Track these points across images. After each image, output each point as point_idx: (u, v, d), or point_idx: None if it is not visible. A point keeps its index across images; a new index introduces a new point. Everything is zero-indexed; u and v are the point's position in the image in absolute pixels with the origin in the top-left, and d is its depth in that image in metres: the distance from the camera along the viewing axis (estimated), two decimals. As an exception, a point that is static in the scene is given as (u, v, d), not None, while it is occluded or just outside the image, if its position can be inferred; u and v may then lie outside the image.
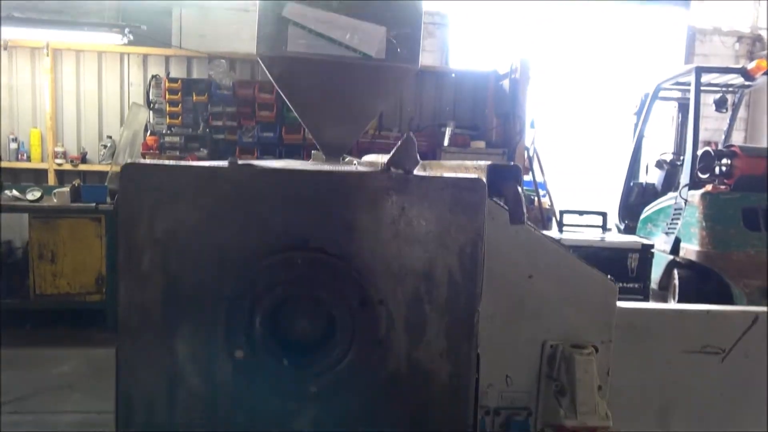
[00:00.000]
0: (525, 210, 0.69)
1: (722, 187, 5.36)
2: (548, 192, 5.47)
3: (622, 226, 7.07)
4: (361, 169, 0.60)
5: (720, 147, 5.82)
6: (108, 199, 4.36)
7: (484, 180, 0.69)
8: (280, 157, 4.94)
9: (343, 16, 1.71)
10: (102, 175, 5.15)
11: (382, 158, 0.80)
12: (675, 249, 5.59)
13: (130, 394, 0.57)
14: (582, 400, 0.94)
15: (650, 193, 7.19)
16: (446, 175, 0.59)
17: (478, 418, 0.62)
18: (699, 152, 5.66)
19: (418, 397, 0.59)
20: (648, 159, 8.10)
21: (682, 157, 7.06)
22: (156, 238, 0.56)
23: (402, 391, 0.59)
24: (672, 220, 5.96)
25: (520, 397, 0.99)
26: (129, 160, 5.07)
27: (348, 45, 1.73)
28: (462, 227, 0.59)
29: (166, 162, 0.58)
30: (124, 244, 0.55)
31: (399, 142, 0.61)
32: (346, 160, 2.39)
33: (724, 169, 5.35)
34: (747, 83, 5.76)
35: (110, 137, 5.20)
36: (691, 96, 5.70)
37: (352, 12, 1.72)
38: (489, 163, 0.71)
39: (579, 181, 7.06)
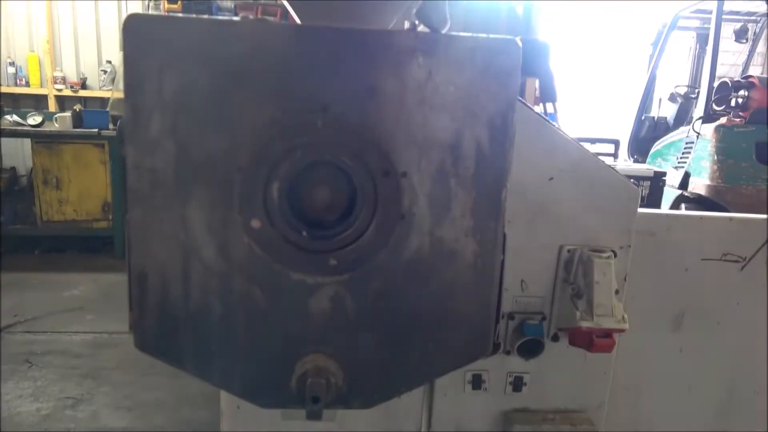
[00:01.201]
0: (556, 88, 0.64)
1: (737, 119, 5.24)
2: (558, 121, 5.36)
3: (631, 161, 6.98)
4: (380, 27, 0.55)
5: (737, 79, 5.64)
6: (110, 125, 4.30)
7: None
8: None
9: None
10: (103, 101, 5.06)
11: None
12: (684, 183, 5.54)
13: (142, 268, 0.55)
14: (599, 302, 0.93)
15: (662, 128, 7.06)
16: (478, 36, 0.53)
17: (501, 300, 0.59)
18: (715, 83, 5.49)
19: (442, 275, 0.57)
20: (661, 93, 7.91)
21: (696, 90, 6.88)
22: (165, 100, 0.52)
23: (425, 269, 0.56)
24: (683, 154, 5.87)
25: (535, 302, 0.98)
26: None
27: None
28: (493, 95, 0.54)
29: (175, 15, 0.53)
30: (131, 105, 0.51)
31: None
32: None
33: (740, 101, 5.21)
34: (769, 12, 5.51)
35: (110, 62, 5.07)
36: (712, 23, 5.47)
37: None
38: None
39: (592, 111, 6.90)
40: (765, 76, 6.19)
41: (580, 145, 0.95)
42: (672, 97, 7.06)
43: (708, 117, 5.56)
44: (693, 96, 6.78)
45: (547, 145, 0.92)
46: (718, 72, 6.73)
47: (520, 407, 1.02)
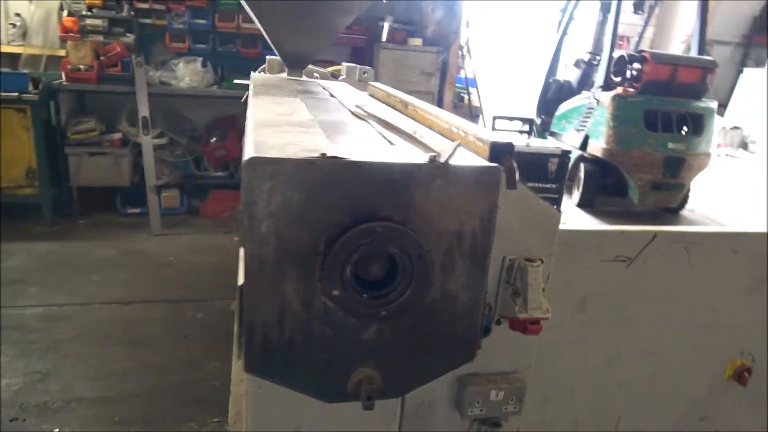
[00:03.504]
0: (517, 178, 0.94)
1: (631, 90, 5.87)
2: (477, 90, 5.74)
3: (539, 121, 7.56)
4: (413, 161, 0.82)
5: (632, 50, 6.25)
6: (30, 87, 4.13)
7: (488, 151, 0.95)
8: (213, 45, 4.77)
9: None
10: (13, 57, 4.77)
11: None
12: (584, 145, 6.17)
13: (252, 322, 0.81)
14: (532, 299, 1.29)
15: (566, 91, 7.64)
16: (474, 164, 0.82)
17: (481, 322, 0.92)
18: (615, 56, 6.06)
19: (446, 312, 0.88)
20: (569, 58, 8.47)
21: (598, 57, 7.49)
22: (271, 211, 0.77)
23: (437, 308, 0.87)
24: (584, 118, 6.47)
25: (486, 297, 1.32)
26: (44, 44, 4.68)
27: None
28: (482, 199, 0.84)
29: (280, 156, 0.76)
30: (248, 215, 0.76)
31: (452, 150, 0.83)
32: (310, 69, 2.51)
33: (634, 73, 5.83)
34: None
35: (19, 15, 4.75)
36: (613, -2, 5.98)
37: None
38: (491, 140, 0.95)
39: (509, 81, 7.33)
40: (657, 51, 6.88)
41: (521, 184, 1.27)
42: (576, 63, 7.64)
43: (607, 86, 6.17)
44: (595, 63, 7.39)
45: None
46: (621, 31, 7.34)
47: (471, 372, 1.38)
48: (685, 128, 6.41)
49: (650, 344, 1.59)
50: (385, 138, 1.05)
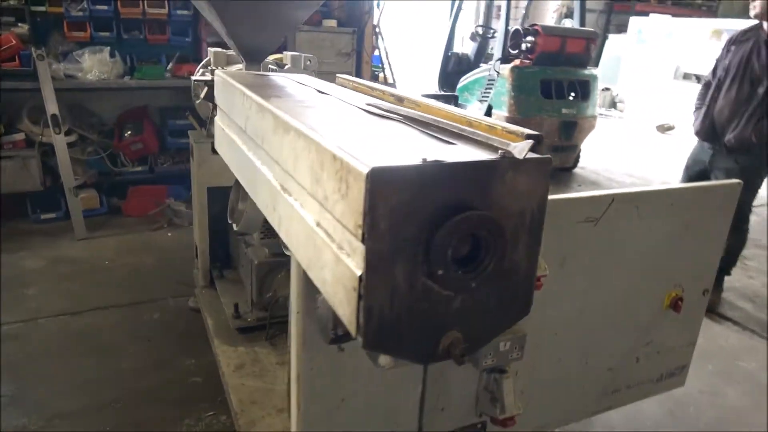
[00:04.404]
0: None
1: (527, 61, 6.38)
2: (391, 67, 5.94)
3: (441, 93, 7.95)
4: (492, 158, 0.99)
5: (520, 25, 6.76)
6: None
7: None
8: (118, 33, 4.53)
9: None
10: None
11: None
12: (488, 115, 6.63)
13: (371, 306, 0.95)
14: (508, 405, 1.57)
15: (465, 63, 8.13)
16: (533, 156, 1.02)
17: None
18: (511, 30, 6.53)
19: (514, 278, 1.08)
20: (464, 32, 8.91)
21: (492, 29, 7.97)
22: (388, 211, 0.91)
23: (507, 277, 1.07)
24: (486, 89, 6.96)
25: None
26: None
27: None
28: (540, 184, 1.04)
29: (393, 165, 0.90)
30: (370, 217, 0.90)
31: (509, 151, 1.01)
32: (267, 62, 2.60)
33: (528, 45, 6.33)
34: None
35: None
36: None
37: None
38: (527, 132, 1.15)
39: (417, 56, 7.57)
40: (547, 25, 7.47)
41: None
42: (472, 36, 8.11)
43: (504, 59, 6.64)
44: (489, 36, 7.88)
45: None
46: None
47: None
48: (573, 94, 7.09)
49: (611, 288, 1.92)
50: (433, 136, 1.21)
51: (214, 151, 2.87)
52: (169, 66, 4.69)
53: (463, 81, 7.41)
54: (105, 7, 4.44)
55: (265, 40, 2.38)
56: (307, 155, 1.17)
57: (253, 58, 2.45)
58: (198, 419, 2.35)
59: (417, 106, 1.60)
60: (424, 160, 0.94)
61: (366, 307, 0.96)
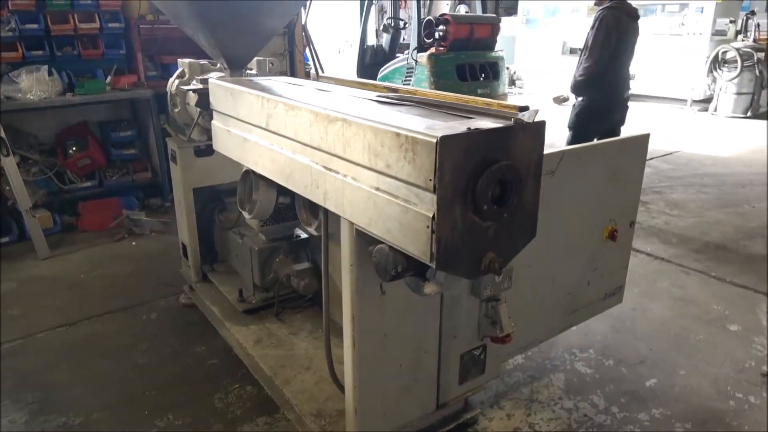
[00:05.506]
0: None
1: (441, 49, 6.93)
2: (320, 64, 6.22)
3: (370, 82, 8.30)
4: (510, 125, 1.41)
5: (427, 14, 7.30)
6: None
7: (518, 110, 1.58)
8: (51, 50, 4.53)
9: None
10: None
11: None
12: (411, 101, 7.07)
13: (441, 237, 1.34)
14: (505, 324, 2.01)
15: (381, 55, 8.60)
16: (536, 119, 1.45)
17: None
18: (423, 20, 7.04)
19: (525, 211, 1.52)
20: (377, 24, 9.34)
21: (402, 21, 8.46)
22: (451, 167, 1.31)
23: (521, 210, 1.50)
24: (406, 77, 7.46)
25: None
26: None
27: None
28: (539, 140, 1.48)
29: (452, 133, 1.28)
30: (440, 173, 1.29)
31: (520, 119, 1.43)
32: (247, 71, 2.97)
33: (441, 34, 6.87)
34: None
35: None
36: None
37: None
38: (519, 105, 1.59)
39: (340, 50, 7.87)
40: (456, 14, 8.05)
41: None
42: (385, 28, 8.57)
43: (420, 47, 7.15)
44: (400, 27, 8.36)
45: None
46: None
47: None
48: (484, 75, 7.75)
49: (567, 225, 2.43)
50: (450, 114, 1.61)
51: (198, 154, 3.12)
52: (108, 79, 4.73)
53: (384, 71, 7.85)
54: (35, 26, 4.41)
55: (246, 48, 2.66)
56: (362, 137, 1.54)
57: (236, 65, 2.72)
58: (227, 392, 2.62)
59: (415, 93, 2.00)
60: (469, 128, 1.35)
61: (437, 239, 1.35)
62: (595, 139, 4.64)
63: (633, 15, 4.42)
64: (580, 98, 4.60)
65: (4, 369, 2.82)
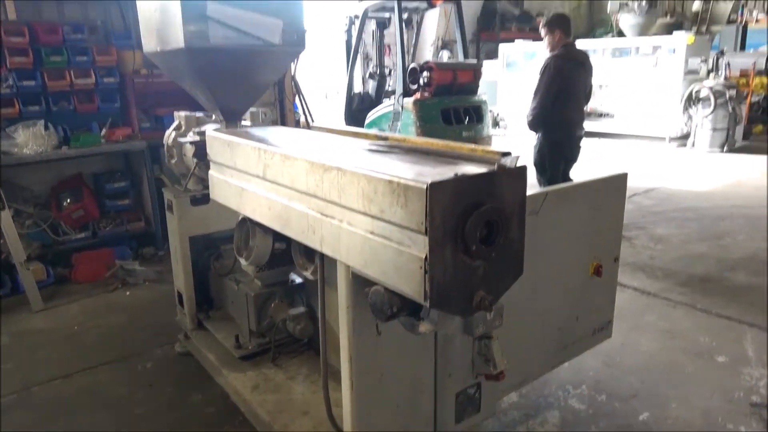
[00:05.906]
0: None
1: (426, 94, 7.17)
2: (309, 112, 6.42)
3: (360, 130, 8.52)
4: (494, 170, 1.52)
5: (411, 61, 7.59)
6: None
7: (500, 156, 1.69)
8: (47, 105, 4.66)
9: (249, 12, 2.39)
10: None
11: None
12: (399, 145, 7.25)
13: (434, 276, 1.43)
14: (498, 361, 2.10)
15: (368, 101, 8.86)
16: (518, 165, 1.56)
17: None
18: (409, 67, 7.30)
19: (511, 249, 1.61)
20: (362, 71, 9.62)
21: (388, 69, 8.74)
22: (441, 210, 1.40)
23: (508, 249, 1.59)
24: (393, 122, 7.68)
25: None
26: None
27: (255, 35, 2.43)
28: (521, 182, 1.58)
29: (442, 179, 1.38)
30: (431, 216, 1.38)
31: (503, 164, 1.55)
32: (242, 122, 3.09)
33: (425, 80, 7.13)
34: (429, 7, 7.58)
35: None
36: (396, 20, 7.24)
37: (256, 9, 2.47)
38: (501, 151, 1.70)
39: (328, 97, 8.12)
40: (440, 61, 8.35)
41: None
42: (371, 76, 8.86)
43: (406, 93, 7.40)
44: (386, 75, 8.65)
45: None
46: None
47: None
48: (468, 119, 8.00)
49: (553, 263, 2.52)
50: (438, 160, 1.72)
51: (194, 203, 3.21)
52: (103, 132, 4.85)
53: (371, 116, 8.07)
54: (32, 83, 4.54)
55: (242, 101, 2.79)
56: (357, 185, 1.64)
57: (232, 118, 2.84)
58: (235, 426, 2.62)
59: (404, 141, 2.12)
60: (456, 174, 1.45)
61: (430, 278, 1.44)
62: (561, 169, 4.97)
63: (579, 60, 4.77)
64: (538, 134, 4.97)
65: (6, 421, 2.80)
